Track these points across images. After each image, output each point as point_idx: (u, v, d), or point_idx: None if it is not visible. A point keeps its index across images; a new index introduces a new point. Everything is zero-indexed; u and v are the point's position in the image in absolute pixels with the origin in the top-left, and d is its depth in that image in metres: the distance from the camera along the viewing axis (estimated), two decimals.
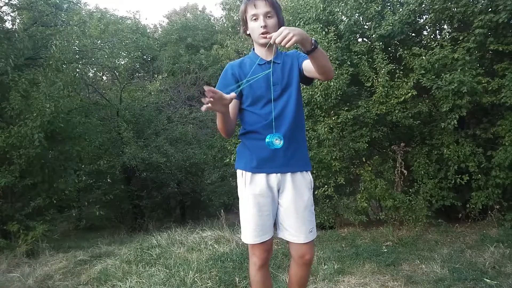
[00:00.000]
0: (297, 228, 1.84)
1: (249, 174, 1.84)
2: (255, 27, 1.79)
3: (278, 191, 1.84)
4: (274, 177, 1.82)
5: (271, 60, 1.80)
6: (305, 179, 1.87)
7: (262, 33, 1.76)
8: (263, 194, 1.81)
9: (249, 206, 1.83)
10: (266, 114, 1.79)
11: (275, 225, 1.91)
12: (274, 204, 1.85)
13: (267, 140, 1.68)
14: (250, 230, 1.84)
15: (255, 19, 1.78)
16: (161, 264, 3.70)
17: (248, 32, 1.86)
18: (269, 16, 1.77)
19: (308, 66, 1.79)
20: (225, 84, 1.83)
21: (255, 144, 1.84)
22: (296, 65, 1.86)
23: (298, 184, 1.84)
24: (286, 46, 1.49)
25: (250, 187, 1.83)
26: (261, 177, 1.82)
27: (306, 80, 1.89)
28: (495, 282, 2.93)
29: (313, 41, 1.59)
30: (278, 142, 1.67)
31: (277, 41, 1.49)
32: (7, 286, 3.87)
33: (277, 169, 1.82)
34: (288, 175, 1.83)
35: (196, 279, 3.12)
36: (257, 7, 1.75)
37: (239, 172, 1.89)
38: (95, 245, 5.72)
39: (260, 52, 1.86)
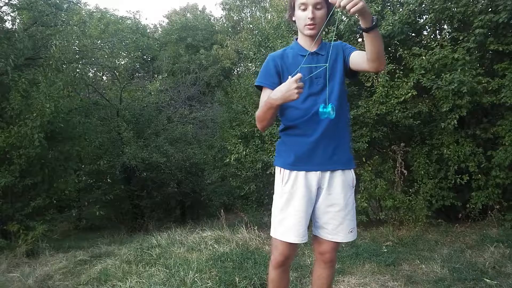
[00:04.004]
0: (335, 226, 1.80)
1: (287, 172, 1.79)
2: (302, 17, 1.72)
3: (318, 189, 1.78)
4: (314, 176, 1.76)
5: (315, 52, 1.75)
6: (347, 177, 1.81)
7: (309, 25, 1.70)
8: (299, 193, 1.75)
9: (282, 203, 1.79)
10: (307, 108, 1.73)
11: (309, 227, 1.85)
12: (309, 205, 1.78)
13: (320, 110, 1.62)
14: (278, 225, 1.80)
15: (303, 9, 1.70)
16: (161, 264, 3.70)
17: (294, 19, 1.79)
18: (318, 8, 1.69)
19: (355, 57, 1.72)
20: (267, 76, 1.79)
21: (294, 140, 1.79)
22: (341, 57, 1.78)
23: (339, 183, 1.78)
24: (351, 11, 1.41)
25: (287, 185, 1.78)
26: (299, 175, 1.76)
27: (351, 74, 1.81)
28: (495, 282, 2.93)
29: (374, 18, 1.49)
30: (332, 112, 1.62)
31: (342, 4, 1.42)
32: (7, 286, 3.87)
33: (317, 167, 1.76)
34: (328, 173, 1.77)
35: (196, 279, 3.12)
36: None
37: (277, 169, 1.85)
38: (95, 245, 5.72)
39: (304, 42, 1.79)
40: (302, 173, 1.76)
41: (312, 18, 1.68)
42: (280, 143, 1.90)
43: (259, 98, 1.85)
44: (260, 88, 1.84)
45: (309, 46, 1.77)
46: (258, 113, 1.77)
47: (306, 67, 1.72)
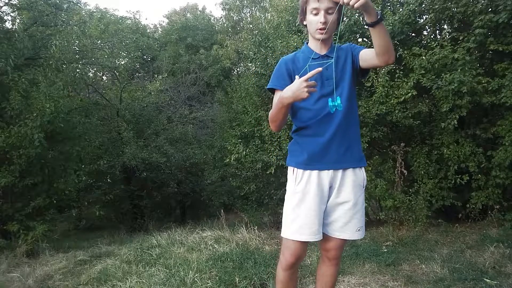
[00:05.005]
0: (343, 224, 1.83)
1: (300, 171, 1.81)
2: (313, 21, 1.75)
3: (330, 188, 1.81)
4: (326, 175, 1.79)
5: (325, 54, 1.79)
6: (357, 177, 1.84)
7: (320, 29, 1.73)
8: (312, 193, 1.78)
9: (294, 202, 1.81)
10: (319, 109, 1.77)
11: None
12: (322, 204, 1.81)
13: (330, 104, 1.69)
14: (290, 224, 1.82)
15: (315, 13, 1.73)
16: (161, 264, 3.70)
17: (305, 23, 1.82)
18: (329, 12, 1.71)
19: (364, 55, 1.76)
20: (279, 78, 1.83)
21: (306, 141, 1.82)
22: (350, 58, 1.82)
23: (350, 182, 1.81)
24: (355, 6, 1.46)
25: (300, 185, 1.80)
26: (312, 174, 1.79)
27: (362, 73, 1.85)
28: (495, 282, 2.93)
29: (378, 13, 1.53)
30: (339, 104, 1.68)
31: (345, 0, 1.47)
32: (7, 286, 3.87)
33: (329, 165, 1.79)
34: (340, 172, 1.80)
35: (196, 279, 3.12)
36: (320, 1, 1.70)
37: (290, 169, 1.87)
38: (95, 245, 5.73)
39: (314, 46, 1.82)
40: (315, 172, 1.79)
41: (324, 23, 1.71)
42: (292, 144, 1.93)
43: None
44: (272, 91, 1.88)
45: (320, 50, 1.81)
46: (270, 113, 1.81)
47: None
